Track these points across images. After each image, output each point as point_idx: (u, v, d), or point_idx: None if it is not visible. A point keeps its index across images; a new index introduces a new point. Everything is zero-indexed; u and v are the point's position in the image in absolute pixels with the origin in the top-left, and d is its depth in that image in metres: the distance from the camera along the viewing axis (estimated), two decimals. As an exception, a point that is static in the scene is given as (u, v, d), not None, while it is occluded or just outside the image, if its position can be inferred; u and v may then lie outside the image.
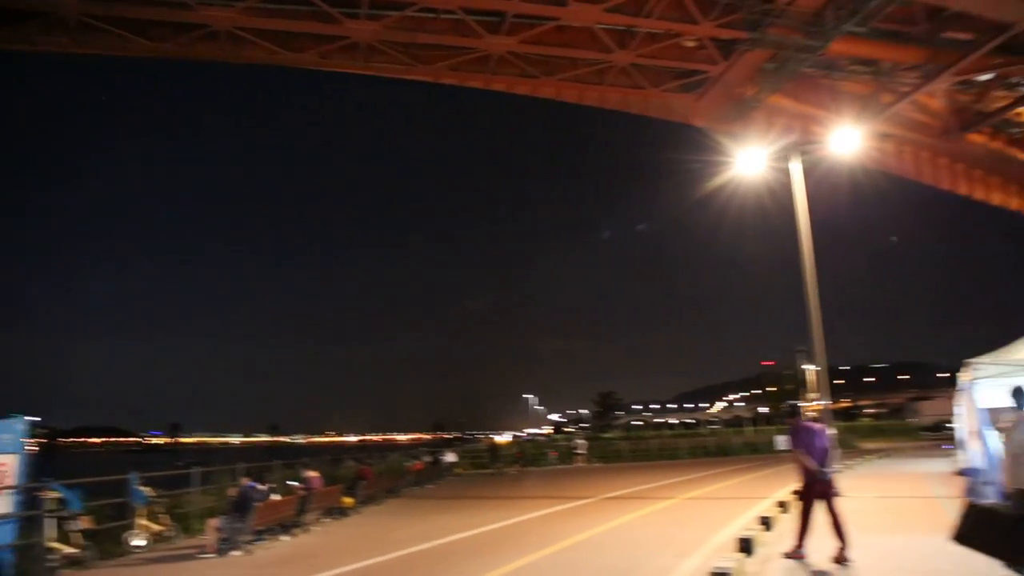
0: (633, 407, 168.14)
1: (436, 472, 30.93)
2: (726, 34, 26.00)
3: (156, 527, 14.18)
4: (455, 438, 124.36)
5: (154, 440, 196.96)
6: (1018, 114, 32.12)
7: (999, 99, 31.35)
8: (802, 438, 8.98)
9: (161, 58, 24.17)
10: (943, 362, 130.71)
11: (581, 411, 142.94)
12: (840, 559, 8.50)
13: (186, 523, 15.08)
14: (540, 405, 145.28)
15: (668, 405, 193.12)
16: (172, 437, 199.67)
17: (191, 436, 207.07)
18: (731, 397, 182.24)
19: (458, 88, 28.99)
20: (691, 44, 27.60)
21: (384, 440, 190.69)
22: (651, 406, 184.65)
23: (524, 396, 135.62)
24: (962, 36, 27.28)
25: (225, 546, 12.70)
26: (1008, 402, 13.33)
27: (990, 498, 9.45)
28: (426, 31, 24.30)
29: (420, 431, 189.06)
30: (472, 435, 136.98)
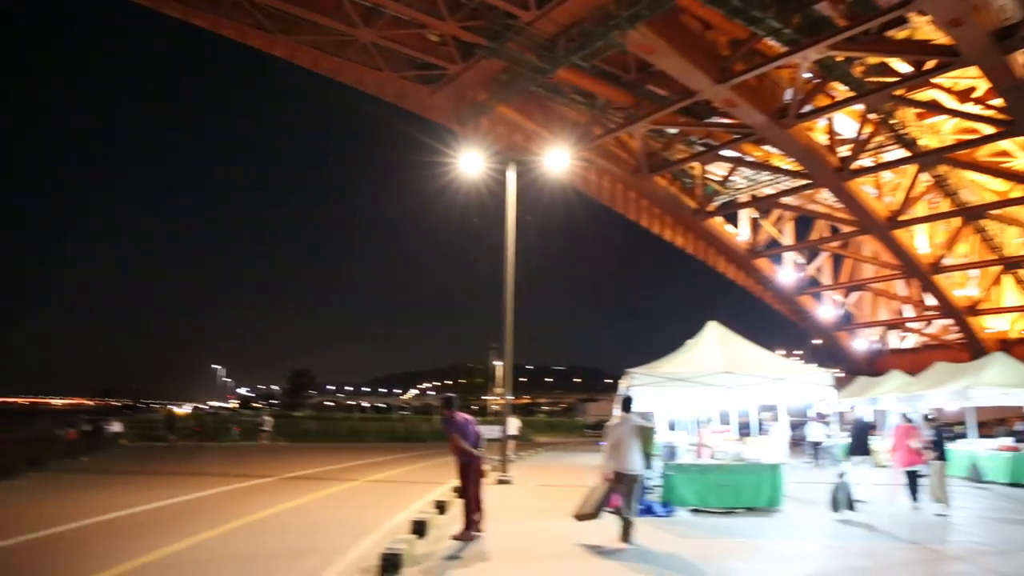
0: (327, 387, 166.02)
1: (96, 443, 27.47)
2: (468, 37, 26.96)
3: None
4: (124, 406, 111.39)
5: None
6: (692, 167, 38.10)
7: (680, 152, 36.82)
8: (456, 426, 9.66)
9: None
10: (611, 369, 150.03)
11: (273, 387, 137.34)
12: (477, 530, 9.48)
13: None
14: (229, 378, 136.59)
15: (363, 388, 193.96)
16: None
17: None
18: (424, 385, 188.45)
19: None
20: (434, 38, 28.18)
21: (32, 403, 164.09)
22: (346, 388, 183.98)
23: (212, 367, 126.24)
24: (661, 92, 31.56)
25: None
26: (654, 407, 15.59)
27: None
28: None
29: (84, 396, 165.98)
30: (147, 404, 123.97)
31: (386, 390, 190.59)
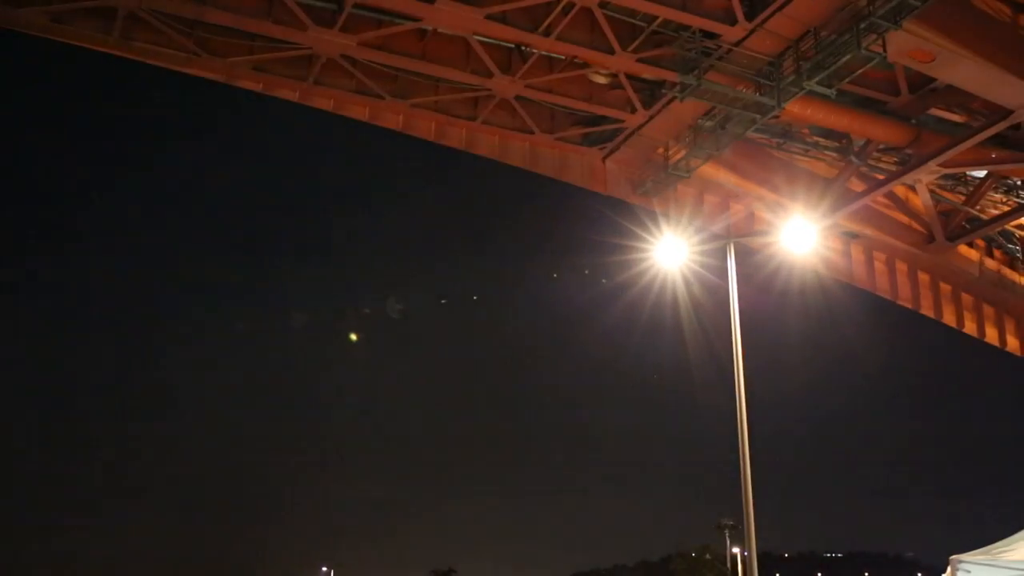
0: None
1: None
2: (650, 73, 27.33)
3: None
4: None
5: None
6: (1020, 226, 35.67)
7: (996, 204, 34.67)
8: None
9: None
10: (914, 555, 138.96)
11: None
12: None
13: None
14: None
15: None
16: None
17: None
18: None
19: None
20: (602, 80, 28.82)
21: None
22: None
23: (323, 569, 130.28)
24: (953, 117, 30.12)
25: None
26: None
27: None
28: (219, 7, 24.08)
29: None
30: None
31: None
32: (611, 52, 26.03)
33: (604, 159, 31.76)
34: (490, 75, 27.42)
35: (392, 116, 29.63)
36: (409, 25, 25.74)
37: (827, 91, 25.95)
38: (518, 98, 29.01)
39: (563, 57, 27.66)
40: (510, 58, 27.60)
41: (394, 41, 26.45)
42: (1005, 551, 11.88)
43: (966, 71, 25.14)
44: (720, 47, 25.40)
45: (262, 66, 26.95)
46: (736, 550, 63.84)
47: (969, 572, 11.59)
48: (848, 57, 24.15)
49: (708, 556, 74.76)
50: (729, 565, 66.99)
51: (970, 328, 38.38)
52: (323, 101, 28.61)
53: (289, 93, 28.03)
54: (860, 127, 30.14)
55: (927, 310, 37.56)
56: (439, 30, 26.33)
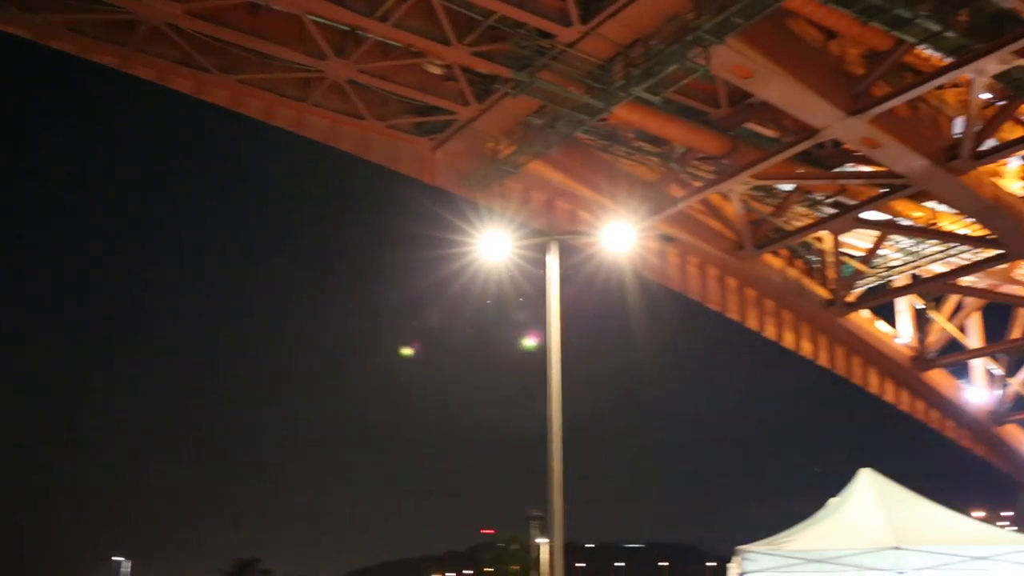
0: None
1: None
2: (484, 67, 27.57)
3: None
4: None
5: None
6: (819, 239, 37.82)
7: (799, 217, 36.63)
8: None
9: None
10: (711, 546, 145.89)
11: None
12: None
13: None
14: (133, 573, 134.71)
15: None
16: None
17: None
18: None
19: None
20: (437, 71, 28.88)
21: None
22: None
23: (114, 559, 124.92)
24: (767, 132, 31.67)
25: None
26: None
27: None
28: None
29: None
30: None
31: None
32: (447, 43, 26.13)
33: (434, 150, 31.83)
34: (323, 57, 27.05)
35: (218, 91, 28.75)
36: (240, -1, 25.18)
37: (653, 98, 26.81)
38: (350, 82, 28.75)
39: (399, 44, 27.54)
40: (344, 41, 27.27)
41: (224, 13, 25.71)
42: (785, 541, 12.70)
43: (780, 89, 26.46)
44: (554, 47, 25.83)
45: (78, 27, 25.71)
46: (542, 540, 65.27)
47: (753, 561, 12.31)
48: (674, 67, 24.98)
49: (515, 546, 75.94)
50: (535, 555, 68.34)
51: (770, 332, 40.35)
52: (145, 70, 27.44)
53: (108, 59, 26.77)
54: (681, 135, 31.31)
55: (733, 313, 39.29)
56: (272, 6, 25.80)
